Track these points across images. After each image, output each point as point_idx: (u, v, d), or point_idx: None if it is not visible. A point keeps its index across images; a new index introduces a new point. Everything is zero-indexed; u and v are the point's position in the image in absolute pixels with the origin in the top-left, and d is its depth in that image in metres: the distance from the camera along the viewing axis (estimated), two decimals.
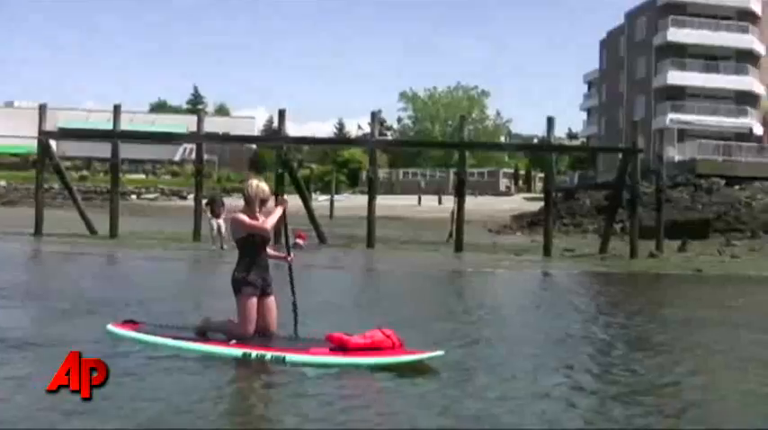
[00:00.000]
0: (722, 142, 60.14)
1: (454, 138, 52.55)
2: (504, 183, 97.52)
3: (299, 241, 30.57)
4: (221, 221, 29.16)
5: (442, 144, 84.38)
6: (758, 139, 62.94)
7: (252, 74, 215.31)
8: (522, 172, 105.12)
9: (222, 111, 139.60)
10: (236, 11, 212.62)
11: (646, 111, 70.00)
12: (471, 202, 38.44)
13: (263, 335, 9.61)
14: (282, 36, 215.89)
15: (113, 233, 32.21)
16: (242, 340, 9.38)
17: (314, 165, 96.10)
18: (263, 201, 9.79)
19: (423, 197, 73.87)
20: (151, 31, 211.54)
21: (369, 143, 36.70)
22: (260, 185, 9.84)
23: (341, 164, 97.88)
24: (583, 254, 31.17)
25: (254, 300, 9.58)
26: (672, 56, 68.78)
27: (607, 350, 10.96)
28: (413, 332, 10.21)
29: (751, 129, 66.19)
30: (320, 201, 64.95)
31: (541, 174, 60.18)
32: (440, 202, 65.58)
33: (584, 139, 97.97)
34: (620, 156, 36.03)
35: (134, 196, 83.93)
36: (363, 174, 74.72)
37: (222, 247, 28.51)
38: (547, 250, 30.86)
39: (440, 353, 8.96)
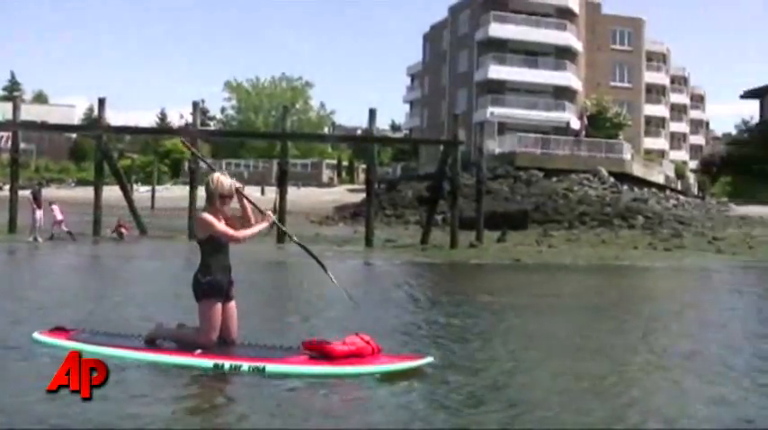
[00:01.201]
0: (541, 135, 61.72)
1: (277, 128, 52.23)
2: (327, 174, 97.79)
3: (123, 231, 30.08)
4: (42, 213, 28.79)
5: (265, 134, 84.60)
6: (575, 133, 64.76)
7: (72, 61, 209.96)
8: (345, 163, 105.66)
9: (40, 98, 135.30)
10: None
11: (467, 105, 71.23)
12: (294, 193, 38.50)
13: (223, 343, 8.86)
14: (104, 22, 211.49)
15: None
16: (208, 349, 8.64)
17: (135, 155, 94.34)
18: (223, 198, 8.93)
19: (245, 188, 73.11)
20: None
21: (190, 133, 36.08)
22: (220, 179, 8.98)
23: (163, 154, 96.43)
24: (404, 244, 31.51)
25: (220, 307, 8.83)
26: (493, 51, 70.16)
27: (430, 338, 11.01)
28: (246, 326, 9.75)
29: (568, 123, 68.17)
30: (141, 191, 63.89)
31: (364, 166, 60.47)
32: (262, 193, 64.98)
33: (407, 131, 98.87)
34: (442, 148, 36.55)
35: None
36: (185, 165, 73.74)
37: (36, 239, 27.98)
38: (369, 241, 31.09)
39: (429, 359, 8.61)
